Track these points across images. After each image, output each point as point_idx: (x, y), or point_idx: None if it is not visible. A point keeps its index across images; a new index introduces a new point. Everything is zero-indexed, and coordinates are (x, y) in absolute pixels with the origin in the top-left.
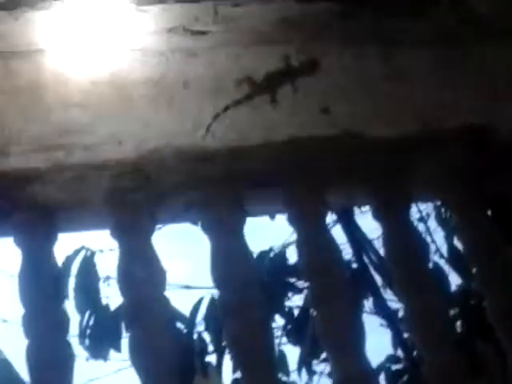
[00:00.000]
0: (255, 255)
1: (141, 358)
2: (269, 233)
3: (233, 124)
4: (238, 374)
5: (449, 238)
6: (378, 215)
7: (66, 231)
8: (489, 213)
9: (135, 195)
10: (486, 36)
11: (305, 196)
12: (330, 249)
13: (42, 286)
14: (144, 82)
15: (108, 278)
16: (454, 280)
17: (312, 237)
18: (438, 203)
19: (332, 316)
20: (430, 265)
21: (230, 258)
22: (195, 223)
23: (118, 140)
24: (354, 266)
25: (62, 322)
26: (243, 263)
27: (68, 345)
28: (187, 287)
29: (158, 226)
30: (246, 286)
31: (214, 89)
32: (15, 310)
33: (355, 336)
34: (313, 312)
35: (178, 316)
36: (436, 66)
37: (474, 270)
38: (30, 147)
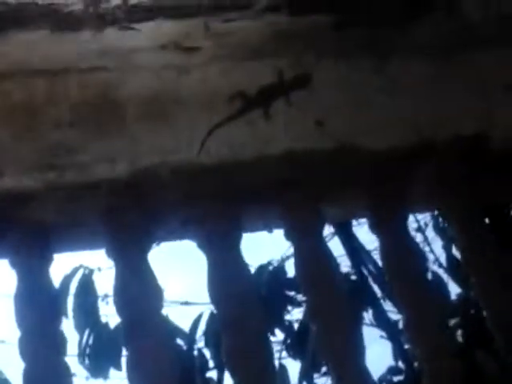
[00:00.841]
0: (254, 269)
1: (140, 376)
2: (267, 246)
3: (227, 139)
4: None
5: (447, 248)
6: (374, 227)
7: (62, 251)
8: (486, 221)
9: (130, 213)
10: (478, 44)
11: (301, 210)
12: (327, 262)
13: (37, 307)
14: (136, 99)
15: (106, 296)
16: (454, 289)
17: (309, 250)
18: (436, 213)
19: (331, 329)
20: (429, 274)
21: (226, 274)
22: (193, 239)
23: (111, 158)
24: (353, 277)
25: (59, 344)
26: (240, 279)
27: (66, 367)
28: (186, 303)
29: (155, 242)
30: (244, 302)
31: (208, 105)
32: (13, 330)
33: (355, 349)
34: (312, 325)
35: (177, 332)
36: (428, 76)
37: (473, 279)
38: (24, 168)
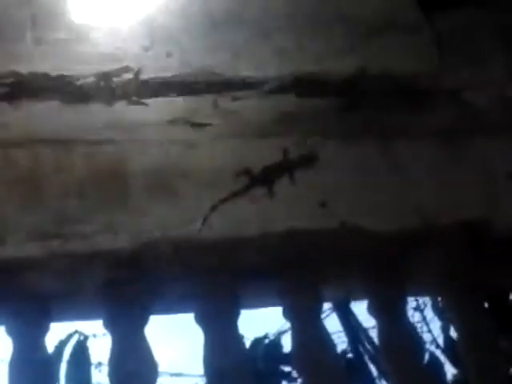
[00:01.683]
0: (250, 342)
1: None
2: (264, 318)
3: (230, 215)
4: None
5: (445, 329)
6: (372, 310)
7: (59, 321)
8: (485, 305)
9: (129, 286)
10: (483, 130)
11: (300, 289)
12: (323, 344)
13: (31, 377)
14: (143, 172)
15: (100, 364)
16: (451, 370)
17: (306, 331)
18: None
19: None
20: (426, 355)
21: (223, 350)
22: (190, 313)
23: (114, 230)
24: (350, 355)
25: None
26: (236, 356)
27: None
28: (179, 375)
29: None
30: (240, 380)
31: (213, 180)
32: None
33: None
34: None
35: None
36: (434, 161)
37: (468, 362)
38: (27, 236)
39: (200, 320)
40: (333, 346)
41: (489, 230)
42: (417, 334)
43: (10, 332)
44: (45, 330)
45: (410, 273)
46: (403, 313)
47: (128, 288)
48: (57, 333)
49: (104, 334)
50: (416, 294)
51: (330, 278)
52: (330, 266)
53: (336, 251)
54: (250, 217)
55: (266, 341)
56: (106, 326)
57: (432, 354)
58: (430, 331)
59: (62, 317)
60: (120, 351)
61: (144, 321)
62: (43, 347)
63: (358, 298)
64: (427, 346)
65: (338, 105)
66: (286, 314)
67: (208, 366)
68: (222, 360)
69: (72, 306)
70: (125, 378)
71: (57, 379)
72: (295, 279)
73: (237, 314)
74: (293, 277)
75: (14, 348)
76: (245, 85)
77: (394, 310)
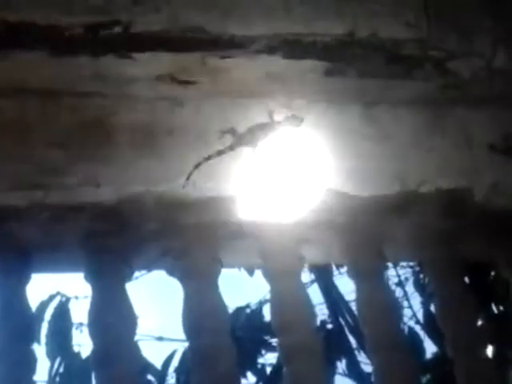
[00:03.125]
0: (231, 311)
1: None
2: (246, 288)
3: (213, 174)
4: None
5: (425, 304)
6: (352, 274)
7: (41, 272)
8: (465, 279)
9: (111, 239)
10: (466, 101)
11: (280, 250)
12: (302, 306)
13: (11, 325)
14: (129, 127)
15: (81, 324)
16: (430, 347)
17: (285, 292)
18: (417, 269)
19: (303, 376)
20: (406, 329)
21: (202, 308)
22: (171, 273)
23: (97, 183)
24: (330, 326)
25: (29, 362)
26: (216, 314)
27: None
28: (160, 339)
29: (134, 275)
30: (218, 339)
31: (198, 138)
32: None
33: None
34: (285, 370)
35: (149, 368)
36: (416, 129)
37: (445, 336)
38: (9, 185)
39: (180, 275)
40: (312, 308)
41: (468, 199)
42: (394, 298)
43: None
44: (26, 280)
45: (390, 238)
46: (381, 276)
47: (110, 241)
48: (39, 294)
49: (85, 297)
50: (395, 261)
51: (309, 239)
52: (309, 227)
53: (316, 213)
54: (233, 176)
55: (248, 310)
56: (87, 278)
57: (411, 329)
58: (410, 307)
59: (43, 268)
60: (100, 304)
61: (125, 274)
62: (24, 297)
63: (337, 260)
64: (407, 320)
65: (324, 68)
66: (265, 275)
67: (186, 322)
68: (200, 316)
69: (54, 257)
70: (104, 330)
71: (37, 338)
72: (275, 239)
73: (217, 272)
74: (273, 236)
75: None
76: (233, 44)
77: (372, 273)
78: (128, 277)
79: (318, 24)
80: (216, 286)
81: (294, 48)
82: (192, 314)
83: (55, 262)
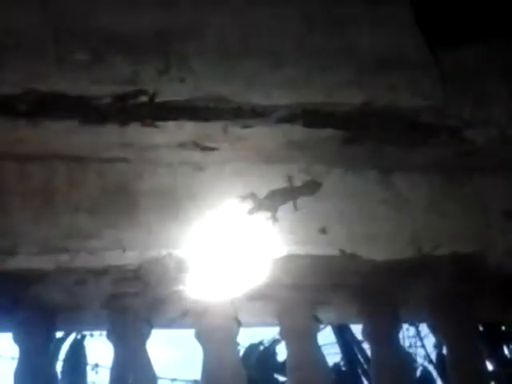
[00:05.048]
0: (244, 348)
1: None
2: None
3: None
4: None
5: (438, 345)
6: (367, 335)
7: (64, 331)
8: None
9: (134, 301)
10: (481, 167)
11: (297, 311)
12: (318, 369)
13: None
14: (152, 191)
15: (97, 365)
16: None
17: (302, 355)
18: None
19: None
20: (419, 370)
21: (221, 368)
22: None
23: (121, 246)
24: (344, 368)
25: None
26: (235, 375)
27: None
28: (174, 380)
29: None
30: None
31: (219, 202)
32: None
33: None
34: None
35: None
36: (432, 194)
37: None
38: (37, 249)
39: (199, 335)
40: (328, 368)
41: (482, 264)
42: (409, 360)
43: (16, 340)
44: (50, 339)
45: (404, 301)
46: (395, 339)
47: (132, 302)
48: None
49: (100, 334)
50: (409, 320)
51: (325, 301)
52: (326, 290)
53: (333, 276)
54: (253, 240)
55: (261, 348)
56: (110, 337)
57: (424, 369)
58: (423, 346)
59: (67, 327)
60: (121, 363)
61: (146, 334)
62: (47, 356)
63: (352, 321)
64: (420, 361)
65: (342, 136)
66: (282, 335)
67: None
68: (218, 376)
69: (77, 317)
70: None
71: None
72: (292, 302)
73: (236, 332)
74: (290, 299)
75: (21, 356)
76: (254, 113)
77: (386, 335)
78: (148, 336)
79: (337, 93)
80: (235, 346)
81: (313, 116)
82: (210, 375)
83: (78, 321)
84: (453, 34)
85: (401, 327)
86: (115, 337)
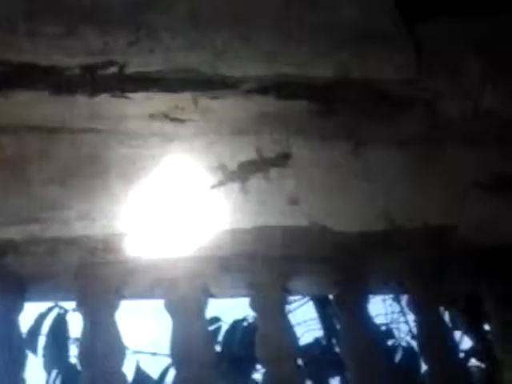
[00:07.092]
0: (228, 325)
1: None
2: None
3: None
4: None
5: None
6: (337, 305)
7: (33, 301)
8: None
9: (103, 270)
10: (454, 140)
11: (268, 283)
12: (287, 337)
13: (1, 355)
14: (123, 162)
15: (78, 339)
16: None
17: (271, 326)
18: None
19: None
20: (402, 344)
21: (189, 339)
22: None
23: (92, 217)
24: (324, 342)
25: None
26: (202, 346)
27: None
28: (154, 354)
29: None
30: (203, 369)
31: (189, 174)
32: None
33: None
34: None
35: (147, 380)
36: (405, 167)
37: (425, 368)
38: (7, 219)
39: (169, 307)
40: (295, 337)
41: (454, 236)
42: (377, 332)
43: None
44: (19, 309)
45: (374, 273)
46: (365, 310)
47: (102, 272)
48: (37, 306)
49: None
50: (378, 293)
51: (297, 272)
52: (297, 261)
53: (304, 248)
54: (222, 212)
55: (245, 323)
56: (79, 308)
57: (408, 344)
58: (406, 322)
59: (36, 297)
60: (90, 333)
61: (115, 304)
62: (16, 326)
63: (325, 292)
64: (403, 336)
65: (315, 108)
66: (252, 306)
67: (174, 351)
68: (186, 346)
69: (47, 287)
70: (93, 359)
71: (34, 349)
72: (263, 272)
73: (205, 303)
74: (260, 270)
75: None
76: (225, 84)
77: (356, 306)
78: (117, 306)
79: (311, 66)
80: (203, 318)
81: (285, 89)
82: (179, 346)
83: (48, 292)
84: (428, 8)
85: (368, 298)
86: (84, 308)
